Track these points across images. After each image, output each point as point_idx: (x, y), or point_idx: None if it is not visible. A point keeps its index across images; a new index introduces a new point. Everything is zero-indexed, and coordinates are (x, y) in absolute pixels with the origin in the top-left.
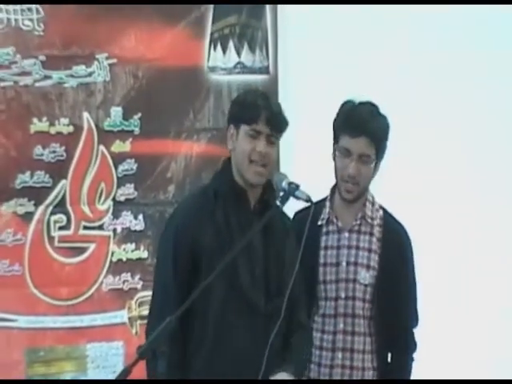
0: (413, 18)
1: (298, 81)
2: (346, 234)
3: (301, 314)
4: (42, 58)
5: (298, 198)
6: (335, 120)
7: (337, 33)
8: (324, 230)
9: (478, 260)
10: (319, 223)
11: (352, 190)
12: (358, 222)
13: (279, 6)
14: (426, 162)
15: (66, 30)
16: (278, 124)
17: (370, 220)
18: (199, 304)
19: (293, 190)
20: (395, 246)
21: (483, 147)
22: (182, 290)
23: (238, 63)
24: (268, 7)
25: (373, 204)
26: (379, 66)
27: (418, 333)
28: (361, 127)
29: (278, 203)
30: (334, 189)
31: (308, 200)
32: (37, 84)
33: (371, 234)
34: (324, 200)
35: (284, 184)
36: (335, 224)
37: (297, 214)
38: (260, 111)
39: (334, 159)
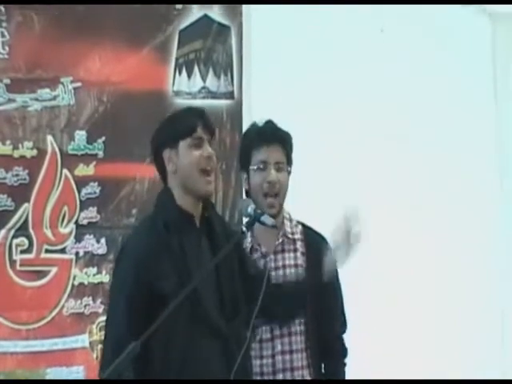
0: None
1: (262, 106)
2: (272, 257)
3: None
4: (7, 81)
5: (263, 223)
6: (244, 141)
7: (301, 57)
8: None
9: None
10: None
11: (274, 203)
12: (281, 241)
13: (244, 31)
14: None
15: (31, 53)
16: (212, 127)
17: (291, 236)
18: (162, 331)
19: (258, 216)
20: (319, 257)
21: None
22: (135, 328)
23: (203, 88)
24: (233, 32)
25: (290, 220)
26: (344, 91)
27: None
28: (274, 136)
29: (243, 228)
30: None
31: (273, 226)
32: (0, 107)
33: (295, 250)
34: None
35: (250, 210)
36: (259, 250)
37: None
38: (196, 119)
39: (248, 182)
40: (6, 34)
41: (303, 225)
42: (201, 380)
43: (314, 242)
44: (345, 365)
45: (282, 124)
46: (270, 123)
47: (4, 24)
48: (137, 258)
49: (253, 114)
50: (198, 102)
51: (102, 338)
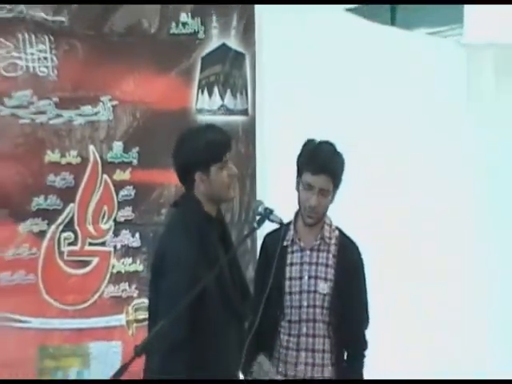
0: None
1: (273, 122)
2: (308, 253)
3: None
4: (55, 99)
5: (272, 220)
6: (299, 157)
7: (306, 80)
8: (289, 249)
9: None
10: (285, 244)
11: (313, 216)
12: (318, 242)
13: (257, 57)
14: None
15: (76, 75)
16: (232, 145)
17: (327, 240)
18: (201, 319)
19: (268, 214)
20: (348, 261)
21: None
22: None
23: (222, 106)
24: (247, 58)
25: (330, 226)
26: (343, 104)
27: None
28: (322, 167)
29: (255, 225)
30: (296, 214)
31: (280, 222)
32: (50, 121)
33: (328, 252)
34: (289, 224)
35: (260, 209)
36: (298, 244)
37: (267, 235)
38: (224, 146)
39: (298, 190)
40: (54, 59)
41: (340, 231)
42: (202, 380)
43: (345, 247)
44: (364, 356)
45: (290, 138)
46: (325, 147)
47: (53, 51)
48: (189, 265)
49: (264, 129)
50: (217, 118)
51: (138, 317)
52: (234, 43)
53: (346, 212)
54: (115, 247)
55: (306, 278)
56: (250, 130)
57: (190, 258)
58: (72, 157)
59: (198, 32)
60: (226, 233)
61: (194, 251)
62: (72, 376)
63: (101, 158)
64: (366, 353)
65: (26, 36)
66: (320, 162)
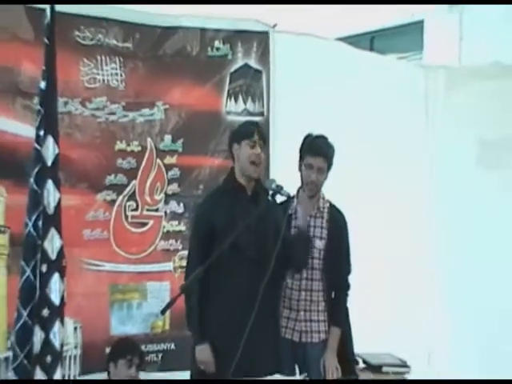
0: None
1: (282, 122)
2: (307, 218)
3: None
4: (123, 103)
5: (282, 194)
6: (301, 146)
7: (308, 90)
8: (293, 216)
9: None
10: (290, 212)
11: (313, 189)
12: (316, 211)
13: (271, 73)
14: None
15: (138, 86)
16: (264, 136)
17: (322, 209)
18: (215, 261)
19: (279, 190)
20: (337, 225)
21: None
22: (203, 254)
23: (245, 109)
24: (264, 74)
25: (323, 199)
26: (334, 112)
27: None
28: (319, 151)
29: (269, 198)
30: (299, 189)
31: (288, 196)
32: (119, 120)
33: (322, 218)
34: (292, 197)
35: (273, 186)
36: (300, 212)
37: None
38: (254, 129)
39: (300, 170)
40: (123, 74)
41: (330, 203)
42: (205, 380)
43: (335, 215)
44: (347, 295)
45: (295, 134)
46: (320, 139)
47: (122, 69)
48: (201, 210)
49: (276, 127)
50: (241, 119)
51: (182, 264)
52: (254, 63)
53: None
54: (165, 213)
55: None
56: (265, 127)
57: (204, 208)
58: (134, 146)
59: (228, 55)
60: (259, 201)
61: (210, 204)
62: (134, 306)
63: (155, 147)
64: (348, 293)
65: (103, 58)
66: (318, 148)
